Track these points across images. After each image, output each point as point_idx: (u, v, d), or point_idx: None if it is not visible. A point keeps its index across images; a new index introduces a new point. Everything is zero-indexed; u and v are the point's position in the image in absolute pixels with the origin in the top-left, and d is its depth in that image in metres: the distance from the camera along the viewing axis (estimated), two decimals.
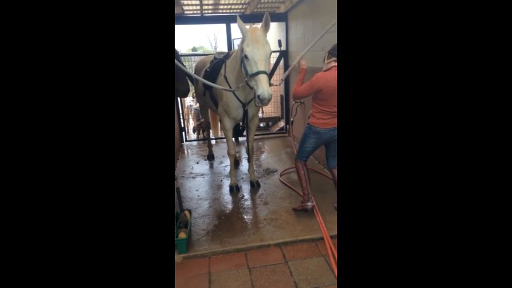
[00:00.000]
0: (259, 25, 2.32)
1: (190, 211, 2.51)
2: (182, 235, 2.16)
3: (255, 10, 4.57)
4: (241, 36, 2.30)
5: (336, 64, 2.19)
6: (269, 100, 2.13)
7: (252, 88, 2.23)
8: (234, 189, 3.10)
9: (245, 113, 2.78)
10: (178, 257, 2.11)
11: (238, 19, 2.20)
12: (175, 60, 2.00)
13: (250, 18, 4.65)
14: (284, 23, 4.61)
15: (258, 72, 2.13)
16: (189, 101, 5.27)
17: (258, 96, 2.11)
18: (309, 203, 2.54)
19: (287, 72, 2.67)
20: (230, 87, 2.60)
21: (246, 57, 2.18)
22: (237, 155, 3.99)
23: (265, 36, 2.22)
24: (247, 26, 2.28)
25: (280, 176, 3.41)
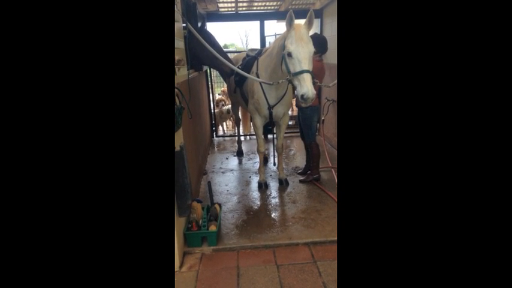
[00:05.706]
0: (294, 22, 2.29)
1: (220, 205, 2.56)
2: (213, 228, 2.21)
3: (290, 7, 4.53)
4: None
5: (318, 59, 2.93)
6: (312, 99, 2.11)
7: (294, 86, 2.22)
8: (263, 186, 3.12)
9: (271, 114, 2.77)
10: (208, 249, 2.16)
11: (291, 13, 2.15)
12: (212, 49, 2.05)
13: (284, 15, 4.60)
14: (319, 19, 4.53)
15: (302, 71, 2.11)
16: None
17: (302, 95, 2.10)
18: (316, 175, 3.17)
19: (334, 82, 2.62)
20: (261, 86, 2.59)
21: (289, 55, 2.15)
22: (266, 152, 4.00)
23: (308, 34, 2.20)
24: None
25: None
